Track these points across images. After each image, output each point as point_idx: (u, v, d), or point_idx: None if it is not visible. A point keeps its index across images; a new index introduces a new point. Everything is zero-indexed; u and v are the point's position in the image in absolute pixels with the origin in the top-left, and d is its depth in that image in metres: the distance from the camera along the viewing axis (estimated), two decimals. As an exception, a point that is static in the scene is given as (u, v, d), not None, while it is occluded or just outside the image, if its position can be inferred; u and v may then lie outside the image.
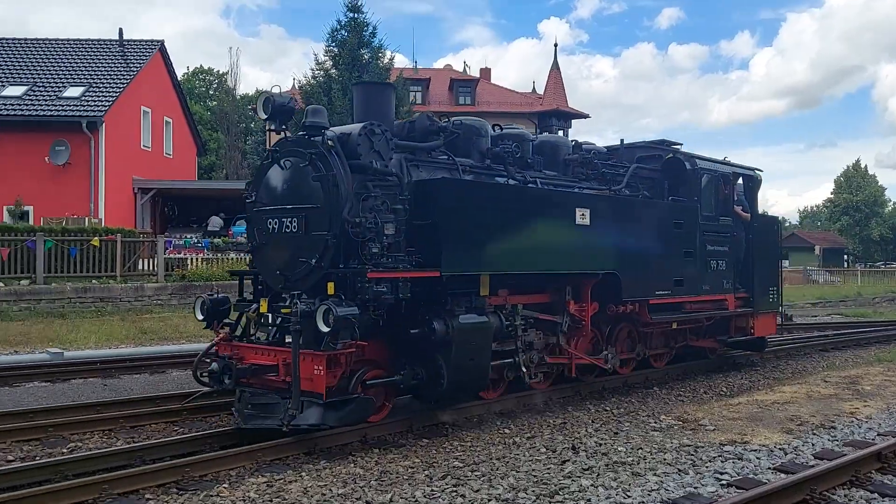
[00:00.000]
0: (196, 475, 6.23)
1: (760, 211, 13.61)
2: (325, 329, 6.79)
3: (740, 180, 12.79)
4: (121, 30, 32.29)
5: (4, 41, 31.58)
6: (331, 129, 7.75)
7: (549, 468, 6.58)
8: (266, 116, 7.56)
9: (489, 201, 8.20)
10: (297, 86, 35.70)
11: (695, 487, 6.02)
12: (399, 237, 7.42)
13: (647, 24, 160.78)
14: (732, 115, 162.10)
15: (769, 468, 6.59)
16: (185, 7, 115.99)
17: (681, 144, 12.39)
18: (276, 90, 7.61)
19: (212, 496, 5.77)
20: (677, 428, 8.18)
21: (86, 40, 32.47)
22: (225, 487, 5.98)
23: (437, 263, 7.58)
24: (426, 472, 6.49)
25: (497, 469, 6.56)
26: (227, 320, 8.20)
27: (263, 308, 7.73)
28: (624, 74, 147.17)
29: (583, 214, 9.24)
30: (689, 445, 7.34)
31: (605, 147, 11.66)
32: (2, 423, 7.74)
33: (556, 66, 49.24)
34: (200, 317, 8.12)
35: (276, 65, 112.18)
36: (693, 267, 11.10)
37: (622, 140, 12.13)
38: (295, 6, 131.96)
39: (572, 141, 11.06)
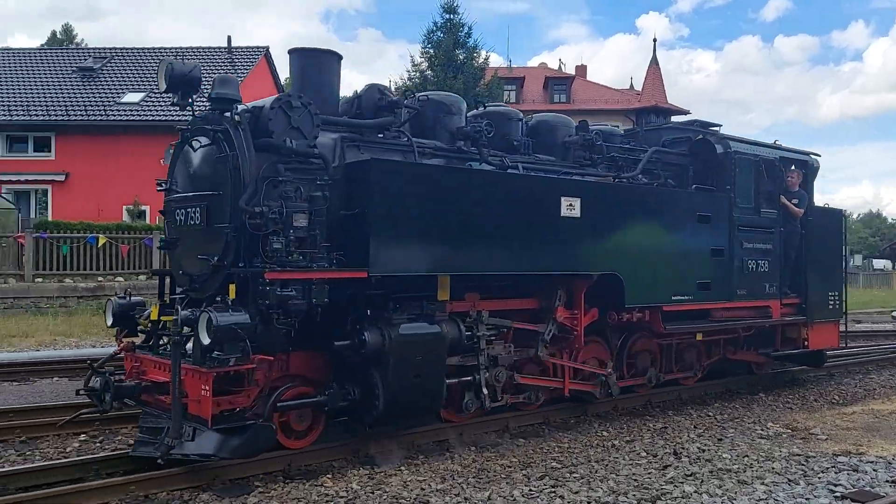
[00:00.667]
0: (300, 464, 6.45)
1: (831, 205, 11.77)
2: (206, 341, 5.61)
3: (793, 167, 10.85)
4: (229, 38, 32.99)
5: (124, 50, 33.61)
6: (245, 103, 6.57)
7: (649, 473, 6.48)
8: (165, 87, 6.43)
9: (435, 188, 6.81)
10: (393, 87, 35.32)
11: (806, 499, 5.82)
12: (314, 230, 6.14)
13: (751, 16, 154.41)
14: (844, 109, 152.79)
15: (887, 481, 6.31)
16: (287, 14, 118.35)
17: (719, 126, 10.67)
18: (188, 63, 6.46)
19: (317, 486, 5.95)
20: (786, 436, 7.98)
21: (197, 48, 33.48)
22: (328, 478, 6.12)
23: (366, 262, 6.28)
24: (523, 471, 6.49)
25: (596, 472, 6.50)
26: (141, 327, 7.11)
27: (154, 314, 6.61)
28: (726, 69, 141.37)
29: (570, 205, 7.73)
30: (800, 455, 7.09)
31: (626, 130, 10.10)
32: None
33: (654, 62, 48.34)
34: (109, 321, 7.08)
35: (374, 67, 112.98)
36: (723, 268, 9.38)
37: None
38: (391, 9, 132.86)
39: (579, 122, 9.53)
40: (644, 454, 7.11)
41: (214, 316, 5.56)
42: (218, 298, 6.18)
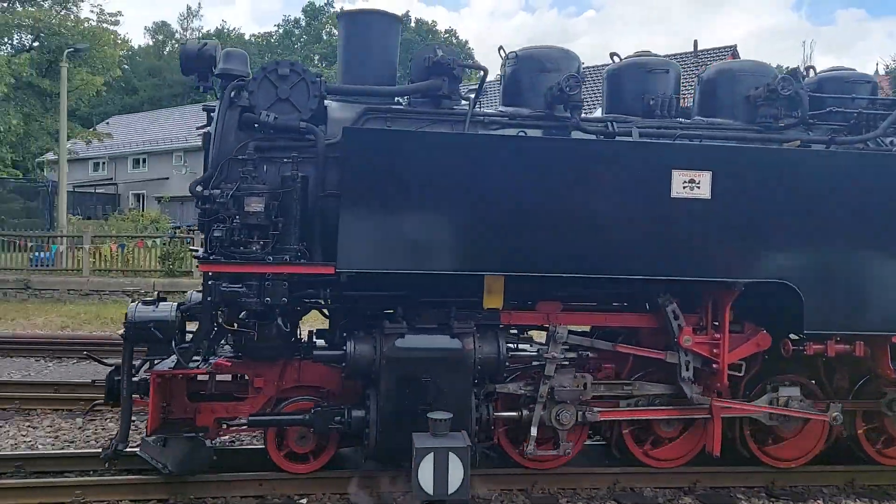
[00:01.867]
0: (785, 484, 6.08)
1: None
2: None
3: None
4: (695, 42, 32.98)
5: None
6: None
7: None
8: (184, 74, 6.08)
9: (441, 162, 5.23)
10: (883, 71, 30.72)
11: None
12: (277, 216, 5.15)
13: None
14: None
15: None
16: (753, 9, 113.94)
17: None
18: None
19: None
20: None
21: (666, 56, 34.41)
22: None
23: (335, 255, 5.09)
24: None
25: None
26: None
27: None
28: None
29: (691, 181, 5.39)
30: None
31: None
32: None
33: None
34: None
35: (853, 50, 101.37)
36: None
37: None
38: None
39: (790, 71, 6.78)
40: None
41: (133, 309, 4.99)
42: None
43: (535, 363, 5.70)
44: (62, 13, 28.78)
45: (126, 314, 5.12)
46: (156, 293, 5.59)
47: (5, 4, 28.56)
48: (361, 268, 5.13)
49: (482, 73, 6.18)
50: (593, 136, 5.87)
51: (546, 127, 5.93)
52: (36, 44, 28.20)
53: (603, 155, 5.46)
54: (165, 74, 57.68)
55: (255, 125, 5.45)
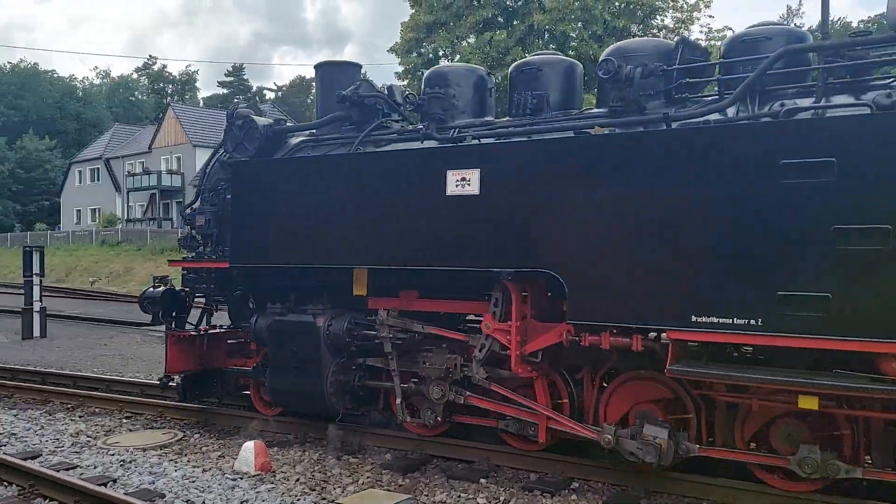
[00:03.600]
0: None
1: None
2: (152, 309, 7.95)
3: None
4: None
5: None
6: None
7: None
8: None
9: (287, 180, 6.81)
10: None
11: None
12: (214, 228, 7.44)
13: None
14: None
15: None
16: None
17: None
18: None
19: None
20: None
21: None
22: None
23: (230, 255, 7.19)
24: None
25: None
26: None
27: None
28: None
29: (463, 178, 5.90)
30: None
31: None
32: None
33: None
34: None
35: None
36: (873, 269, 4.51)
37: None
38: None
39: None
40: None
41: (147, 290, 7.87)
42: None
43: (377, 340, 6.72)
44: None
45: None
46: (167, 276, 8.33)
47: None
48: (246, 263, 7.07)
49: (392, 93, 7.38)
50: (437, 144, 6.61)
51: (413, 139, 6.86)
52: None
53: (402, 163, 6.30)
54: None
55: (223, 164, 7.80)
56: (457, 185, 5.88)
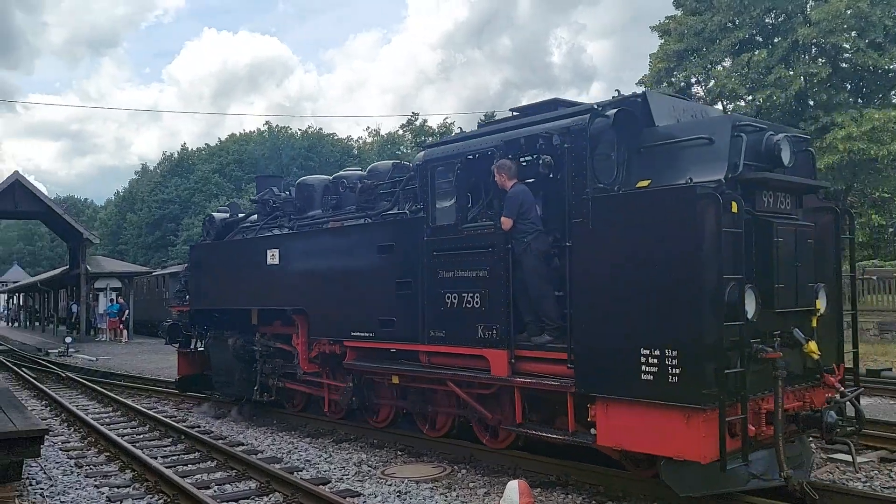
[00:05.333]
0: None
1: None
2: (170, 335, 12.99)
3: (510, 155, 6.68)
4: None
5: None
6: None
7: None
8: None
9: (205, 257, 11.67)
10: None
11: None
12: (188, 286, 12.29)
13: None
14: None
15: None
16: None
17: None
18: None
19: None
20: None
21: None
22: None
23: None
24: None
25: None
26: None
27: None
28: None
29: (273, 255, 10.25)
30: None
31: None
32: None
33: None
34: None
35: None
36: (411, 303, 8.14)
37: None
38: None
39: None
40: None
41: (161, 324, 12.91)
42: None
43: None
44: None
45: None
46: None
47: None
48: (200, 307, 11.82)
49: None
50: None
51: (271, 226, 11.15)
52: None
53: (252, 247, 10.80)
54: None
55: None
56: (271, 258, 10.18)
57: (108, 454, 9.32)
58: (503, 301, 7.13)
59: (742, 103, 27.35)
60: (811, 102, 26.62)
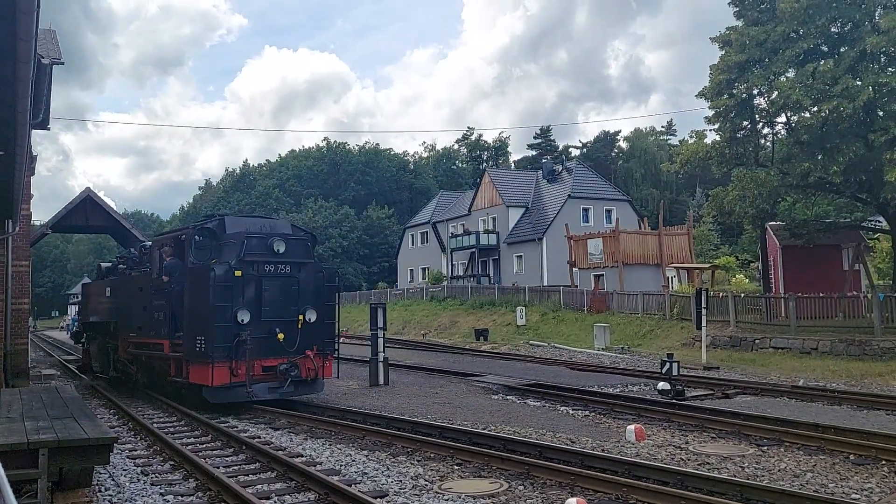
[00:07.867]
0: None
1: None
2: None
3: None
4: None
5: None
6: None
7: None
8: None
9: (88, 289, 20.58)
10: None
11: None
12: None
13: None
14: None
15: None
16: None
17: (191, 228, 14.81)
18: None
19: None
20: None
21: None
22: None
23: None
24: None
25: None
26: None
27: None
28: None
29: (107, 290, 18.20)
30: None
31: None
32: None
33: None
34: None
35: None
36: (148, 315, 15.18)
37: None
38: None
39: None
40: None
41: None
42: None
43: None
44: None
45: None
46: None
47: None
48: (85, 320, 19.87)
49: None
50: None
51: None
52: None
53: (101, 285, 18.89)
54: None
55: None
56: (106, 293, 18.01)
57: (172, 462, 9.50)
58: (168, 316, 14.21)
59: (807, 114, 26.25)
60: (880, 113, 25.42)
